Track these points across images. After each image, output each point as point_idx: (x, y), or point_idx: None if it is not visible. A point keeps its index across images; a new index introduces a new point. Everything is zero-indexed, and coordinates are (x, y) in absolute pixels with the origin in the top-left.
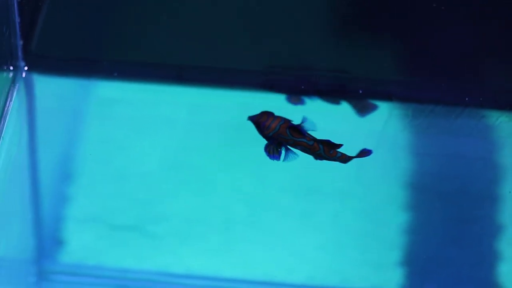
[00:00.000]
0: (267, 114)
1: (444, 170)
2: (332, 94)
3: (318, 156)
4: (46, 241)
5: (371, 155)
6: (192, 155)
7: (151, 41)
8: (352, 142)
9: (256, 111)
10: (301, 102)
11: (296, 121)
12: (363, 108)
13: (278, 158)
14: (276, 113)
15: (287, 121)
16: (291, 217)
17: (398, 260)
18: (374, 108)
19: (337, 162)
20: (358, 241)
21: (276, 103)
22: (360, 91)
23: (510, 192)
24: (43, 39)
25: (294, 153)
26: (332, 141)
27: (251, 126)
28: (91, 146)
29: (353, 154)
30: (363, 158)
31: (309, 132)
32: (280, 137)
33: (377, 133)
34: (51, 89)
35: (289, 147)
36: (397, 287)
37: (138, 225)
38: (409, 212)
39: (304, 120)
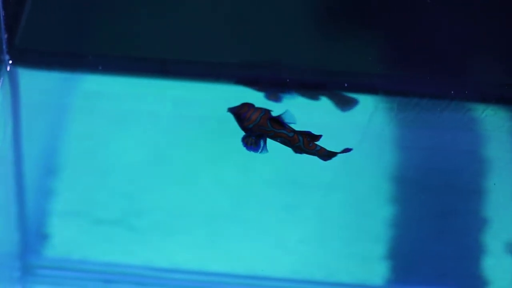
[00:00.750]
0: (247, 106)
1: (429, 163)
2: (317, 87)
3: (297, 148)
4: (30, 235)
5: (356, 148)
6: (176, 149)
7: (135, 35)
8: (337, 135)
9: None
10: (279, 99)
11: (276, 113)
12: (344, 102)
13: (256, 150)
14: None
15: (267, 112)
16: (275, 210)
17: (383, 253)
18: (355, 102)
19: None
20: (343, 234)
21: (260, 96)
22: (346, 84)
23: (494, 184)
24: (27, 32)
25: (266, 148)
26: (313, 132)
27: (234, 119)
28: (75, 139)
29: (337, 149)
30: (348, 152)
31: (289, 124)
32: (260, 128)
33: (363, 126)
34: (35, 83)
35: (268, 138)
36: (382, 281)
37: (123, 219)
38: (394, 205)
39: (284, 112)
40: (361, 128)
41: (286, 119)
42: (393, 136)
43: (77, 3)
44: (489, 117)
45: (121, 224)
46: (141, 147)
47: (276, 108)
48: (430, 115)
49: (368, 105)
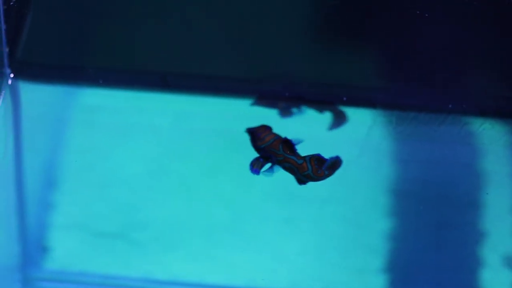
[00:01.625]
0: (264, 127)
1: (427, 176)
2: (316, 101)
3: (305, 177)
4: (31, 248)
5: (354, 162)
6: (176, 162)
7: (136, 48)
8: (335, 149)
9: (240, 118)
10: (291, 115)
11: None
12: (338, 118)
13: (257, 172)
14: (263, 121)
15: (281, 138)
16: (274, 223)
17: (381, 265)
18: (345, 119)
19: None
20: (340, 247)
21: (260, 111)
22: (344, 98)
23: (487, 193)
24: (29, 46)
25: (273, 171)
26: (321, 155)
27: (234, 133)
28: (76, 153)
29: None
30: (346, 164)
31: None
32: (271, 150)
33: (361, 140)
34: (36, 96)
35: (276, 163)
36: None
37: (123, 232)
38: (392, 218)
39: (298, 140)
40: (359, 142)
41: (297, 145)
42: (391, 150)
43: (78, 17)
44: (486, 130)
45: (121, 237)
46: (141, 160)
47: (288, 125)
48: (428, 129)
49: (366, 119)
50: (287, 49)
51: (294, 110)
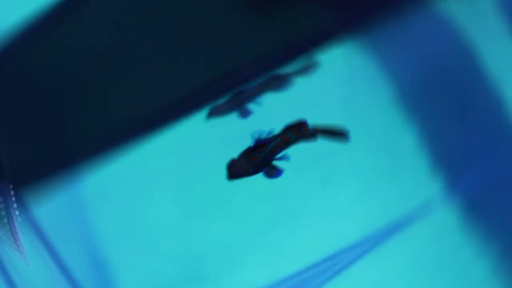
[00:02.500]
0: (232, 163)
1: (426, 72)
2: (285, 62)
3: (295, 142)
4: None
5: (355, 98)
6: (201, 191)
7: (108, 120)
8: (328, 97)
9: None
10: (248, 113)
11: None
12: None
13: (279, 173)
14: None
15: (248, 150)
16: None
17: (427, 166)
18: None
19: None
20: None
21: (233, 117)
22: (309, 46)
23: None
24: (23, 181)
25: (284, 158)
26: (291, 123)
27: (232, 138)
28: (107, 232)
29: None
30: (349, 102)
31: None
32: (256, 163)
33: (347, 76)
34: (49, 217)
35: (273, 158)
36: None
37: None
38: (416, 123)
39: (253, 135)
40: (346, 79)
41: (260, 137)
42: (380, 70)
43: (44, 130)
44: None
45: (191, 279)
46: (170, 207)
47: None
48: (402, 32)
49: (339, 57)
50: (230, 40)
51: (249, 106)
